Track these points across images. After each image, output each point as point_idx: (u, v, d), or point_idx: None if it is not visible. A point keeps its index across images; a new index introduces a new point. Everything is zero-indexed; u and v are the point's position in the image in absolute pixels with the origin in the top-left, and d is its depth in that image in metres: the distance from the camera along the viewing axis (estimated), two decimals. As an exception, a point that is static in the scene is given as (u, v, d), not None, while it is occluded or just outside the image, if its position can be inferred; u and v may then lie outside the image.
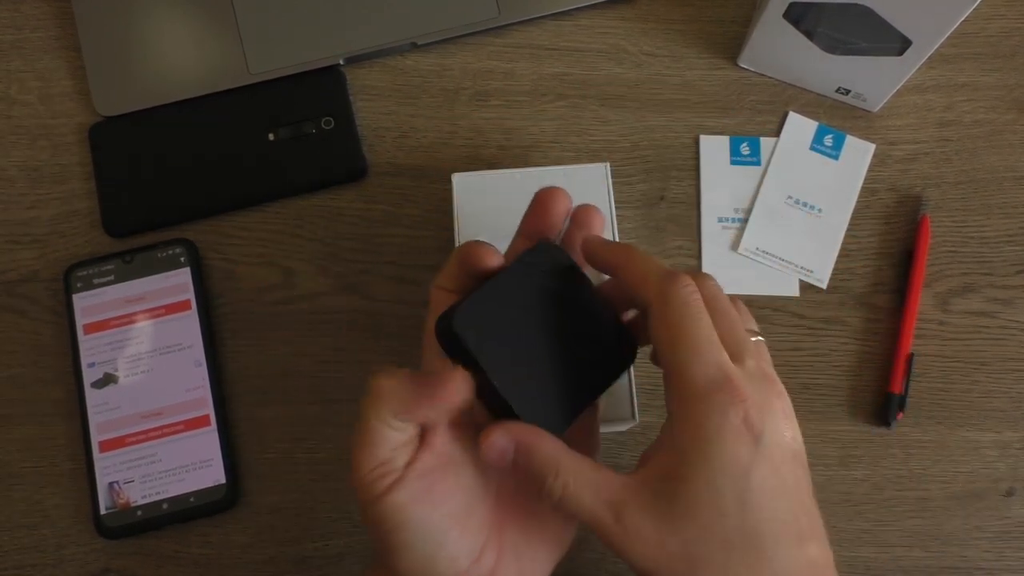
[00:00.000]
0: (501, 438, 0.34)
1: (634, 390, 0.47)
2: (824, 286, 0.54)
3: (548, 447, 0.34)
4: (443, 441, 0.35)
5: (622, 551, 0.33)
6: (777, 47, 0.54)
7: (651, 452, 0.35)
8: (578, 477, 0.34)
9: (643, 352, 0.39)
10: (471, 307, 0.35)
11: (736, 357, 0.34)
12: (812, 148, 0.56)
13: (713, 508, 0.32)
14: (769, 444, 0.33)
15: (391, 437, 0.34)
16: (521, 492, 0.38)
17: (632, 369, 0.47)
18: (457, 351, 0.35)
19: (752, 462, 0.32)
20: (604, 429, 0.48)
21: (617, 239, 0.49)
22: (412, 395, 0.34)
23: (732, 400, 0.32)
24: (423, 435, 0.35)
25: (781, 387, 0.35)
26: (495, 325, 0.35)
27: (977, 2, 0.45)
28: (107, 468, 0.50)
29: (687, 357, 0.33)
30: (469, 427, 0.36)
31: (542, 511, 0.37)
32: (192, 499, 0.49)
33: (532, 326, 0.36)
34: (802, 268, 0.54)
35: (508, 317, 0.36)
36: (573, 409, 0.37)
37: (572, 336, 0.37)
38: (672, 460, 0.33)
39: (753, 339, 0.36)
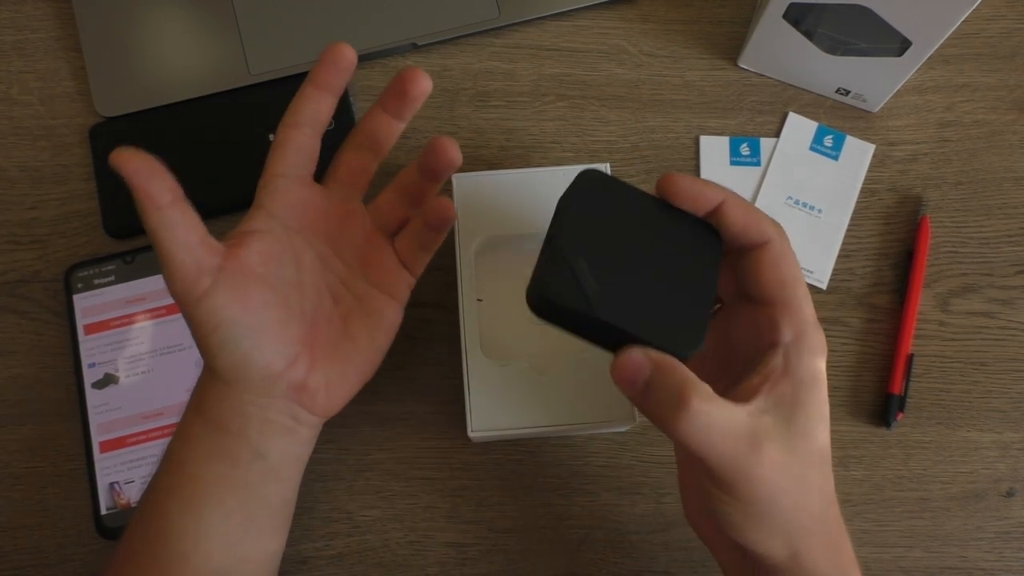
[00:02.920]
0: (639, 355, 0.34)
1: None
2: (824, 286, 0.54)
3: (686, 372, 0.34)
4: (254, 256, 0.40)
5: (749, 478, 0.34)
6: (777, 48, 0.54)
7: (752, 383, 0.36)
8: (715, 406, 0.33)
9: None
10: (552, 268, 0.35)
11: None
12: (812, 148, 0.56)
13: (821, 429, 0.36)
14: None
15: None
16: (335, 322, 0.44)
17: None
18: (563, 317, 0.35)
19: (824, 377, 0.37)
20: (604, 429, 0.48)
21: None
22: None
23: (824, 349, 0.37)
24: (231, 248, 0.40)
25: None
26: (587, 272, 0.35)
27: (977, 3, 0.45)
28: (108, 468, 0.50)
29: (804, 294, 0.37)
30: (286, 250, 0.42)
31: (353, 343, 0.44)
32: (193, 499, 0.49)
33: (623, 254, 0.36)
34: (802, 268, 0.54)
35: (596, 256, 0.36)
36: (700, 322, 0.36)
37: (664, 250, 0.37)
38: (788, 387, 0.36)
39: None
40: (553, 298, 0.34)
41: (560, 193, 0.41)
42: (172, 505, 0.40)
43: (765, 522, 0.35)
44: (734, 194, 0.38)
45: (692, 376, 0.34)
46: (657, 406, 0.34)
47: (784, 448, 0.34)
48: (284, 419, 0.42)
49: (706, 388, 0.34)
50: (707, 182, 0.38)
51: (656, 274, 0.36)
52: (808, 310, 0.37)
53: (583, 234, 0.36)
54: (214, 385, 0.41)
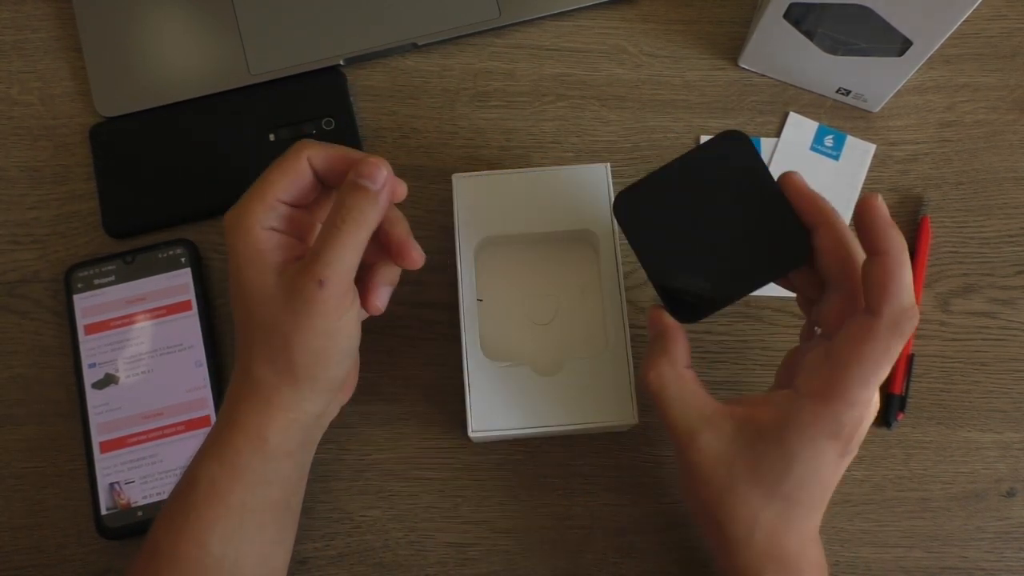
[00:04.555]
0: (656, 316, 0.43)
1: (634, 391, 0.47)
2: (825, 286, 0.54)
3: (674, 349, 0.42)
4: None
5: (677, 452, 0.42)
6: (778, 48, 0.54)
7: (755, 399, 0.41)
8: (677, 384, 0.41)
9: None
10: (638, 188, 0.42)
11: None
12: (813, 148, 0.56)
13: (774, 475, 0.39)
14: (846, 459, 0.40)
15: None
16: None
17: (632, 370, 0.47)
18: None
19: (825, 464, 0.39)
20: (604, 429, 0.48)
21: (618, 240, 0.49)
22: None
23: (839, 435, 0.38)
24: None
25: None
26: (658, 207, 0.42)
27: (977, 3, 0.44)
28: (108, 468, 0.50)
29: (860, 384, 0.38)
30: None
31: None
32: (193, 499, 0.49)
33: (702, 236, 0.41)
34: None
35: (675, 200, 0.42)
36: (797, 236, 0.41)
37: (741, 226, 0.41)
38: (769, 423, 0.39)
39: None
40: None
41: (561, 194, 0.46)
42: (213, 539, 0.40)
43: (692, 501, 0.42)
44: (840, 233, 0.40)
45: (675, 353, 0.42)
46: (644, 360, 0.42)
47: (722, 452, 0.40)
48: (326, 419, 0.45)
49: (676, 369, 0.41)
50: (887, 231, 0.38)
51: (737, 227, 0.41)
52: (857, 398, 0.38)
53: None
54: (281, 411, 0.41)
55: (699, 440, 0.40)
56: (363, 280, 0.44)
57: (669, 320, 0.42)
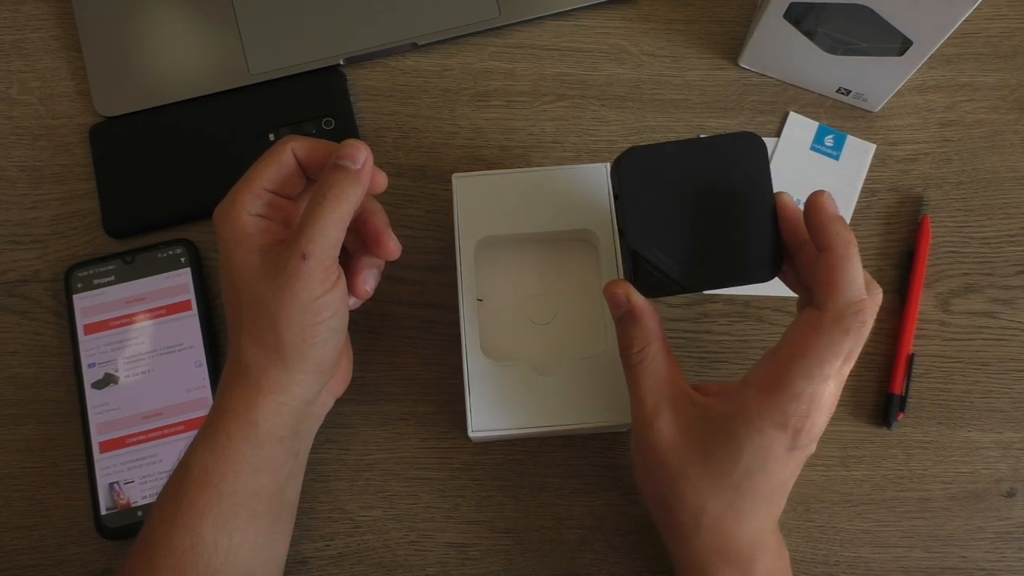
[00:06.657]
0: (626, 293, 0.42)
1: (635, 391, 0.47)
2: (825, 286, 0.54)
3: (653, 326, 0.42)
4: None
5: (636, 429, 0.42)
6: (778, 47, 0.54)
7: (715, 389, 0.42)
8: (655, 363, 0.41)
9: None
10: (646, 152, 0.41)
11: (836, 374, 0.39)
12: (813, 148, 0.56)
13: (722, 465, 0.39)
14: (798, 453, 0.40)
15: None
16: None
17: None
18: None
19: (774, 456, 0.39)
20: (604, 429, 0.48)
21: (618, 240, 0.49)
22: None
23: (785, 425, 0.38)
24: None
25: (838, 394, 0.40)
26: (658, 178, 0.41)
27: (978, 2, 0.44)
28: (107, 468, 0.50)
29: (803, 377, 0.38)
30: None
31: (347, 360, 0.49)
32: (193, 499, 0.49)
33: (687, 220, 0.41)
34: (803, 268, 0.54)
35: (676, 177, 0.41)
36: (774, 249, 0.42)
37: (727, 226, 0.42)
38: (720, 413, 0.40)
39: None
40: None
41: (561, 194, 0.46)
42: (206, 526, 0.40)
43: (647, 484, 0.43)
44: (849, 255, 0.38)
45: (650, 332, 0.42)
46: (620, 337, 0.43)
47: (677, 436, 0.40)
48: (319, 409, 0.45)
49: (657, 345, 0.41)
50: (841, 227, 0.39)
51: (722, 223, 0.41)
52: (790, 391, 0.38)
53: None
54: (271, 394, 0.41)
55: (660, 419, 0.41)
56: (348, 267, 0.45)
57: (639, 298, 0.42)
